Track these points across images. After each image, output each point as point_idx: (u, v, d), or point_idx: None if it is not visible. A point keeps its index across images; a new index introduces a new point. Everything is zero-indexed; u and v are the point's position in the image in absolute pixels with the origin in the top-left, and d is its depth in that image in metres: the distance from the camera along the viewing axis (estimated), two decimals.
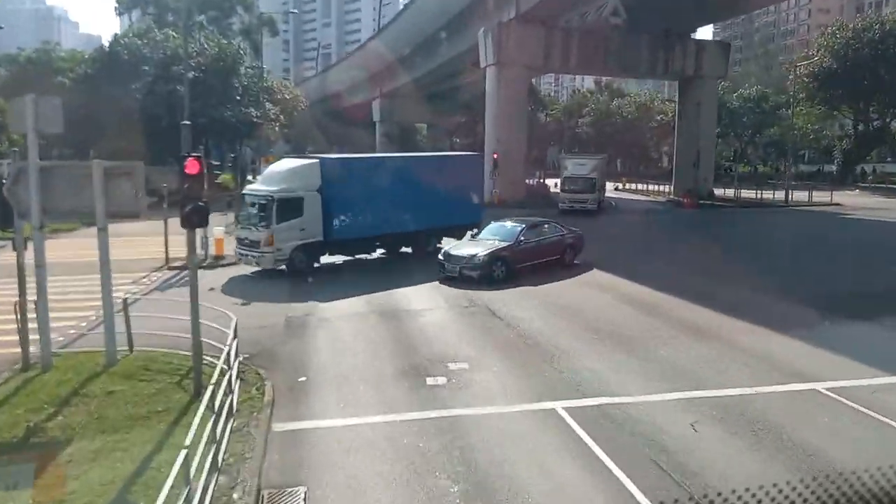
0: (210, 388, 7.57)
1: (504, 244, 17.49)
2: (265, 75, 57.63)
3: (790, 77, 59.68)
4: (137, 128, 42.18)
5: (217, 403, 7.33)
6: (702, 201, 39.91)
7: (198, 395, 8.75)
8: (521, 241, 17.68)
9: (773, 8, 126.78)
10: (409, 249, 21.13)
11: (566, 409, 8.54)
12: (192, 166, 8.37)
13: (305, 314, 14.06)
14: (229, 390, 8.17)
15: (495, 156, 40.69)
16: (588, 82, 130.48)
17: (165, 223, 20.07)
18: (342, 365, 10.76)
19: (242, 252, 18.46)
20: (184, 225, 8.69)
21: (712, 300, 14.71)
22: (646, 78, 51.73)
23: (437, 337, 12.33)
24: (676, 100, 48.61)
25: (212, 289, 16.05)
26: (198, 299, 9.40)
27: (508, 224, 18.82)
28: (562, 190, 35.61)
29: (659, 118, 74.96)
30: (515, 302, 14.99)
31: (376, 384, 9.74)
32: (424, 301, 15.22)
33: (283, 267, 17.90)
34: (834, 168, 62.36)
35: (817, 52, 56.79)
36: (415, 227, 20.42)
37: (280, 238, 17.59)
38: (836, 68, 53.17)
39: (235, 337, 9.56)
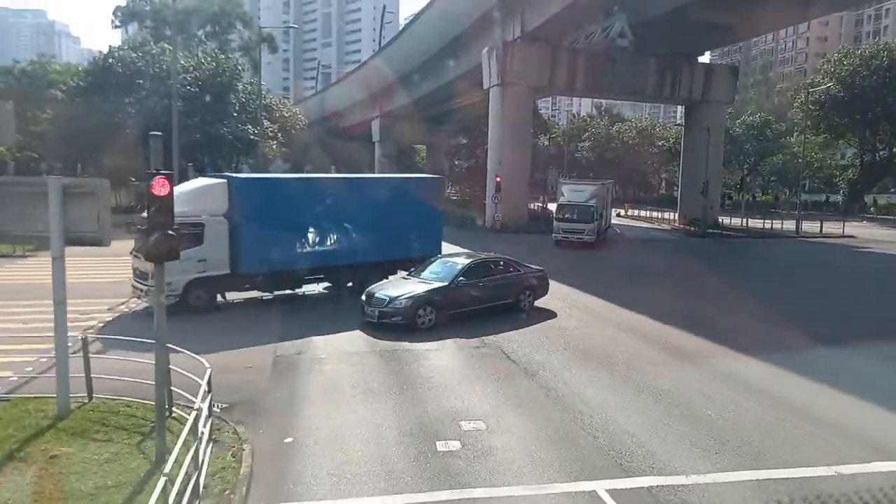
0: (175, 455, 6.10)
1: (437, 285, 14.85)
2: (264, 92, 56.59)
3: (795, 104, 59.13)
4: (131, 143, 40.87)
5: (181, 479, 5.81)
6: (709, 230, 38.64)
7: (161, 462, 7.19)
8: (460, 281, 15.03)
9: (771, 36, 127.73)
10: (352, 284, 17.89)
11: (609, 491, 6.98)
12: (159, 186, 6.88)
13: (297, 352, 12.50)
14: (198, 460, 6.62)
15: (498, 179, 39.48)
16: (586, 106, 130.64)
17: None
18: (336, 421, 9.17)
19: (135, 285, 15.59)
20: (149, 257, 7.19)
21: (753, 346, 13.17)
22: (652, 102, 50.83)
23: (446, 386, 10.76)
24: (683, 125, 47.56)
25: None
26: (165, 344, 7.87)
27: (453, 260, 16.33)
28: (556, 218, 32.26)
29: (660, 144, 74.16)
30: (531, 342, 13.46)
31: (377, 449, 8.16)
32: (430, 339, 13.64)
33: (175, 301, 14.65)
34: (840, 198, 61.25)
35: (822, 78, 56.08)
36: (358, 259, 17.64)
37: (170, 270, 14.77)
38: (843, 96, 52.37)
39: (209, 391, 8.00)
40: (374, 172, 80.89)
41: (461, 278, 15.16)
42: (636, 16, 34.17)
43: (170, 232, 7.14)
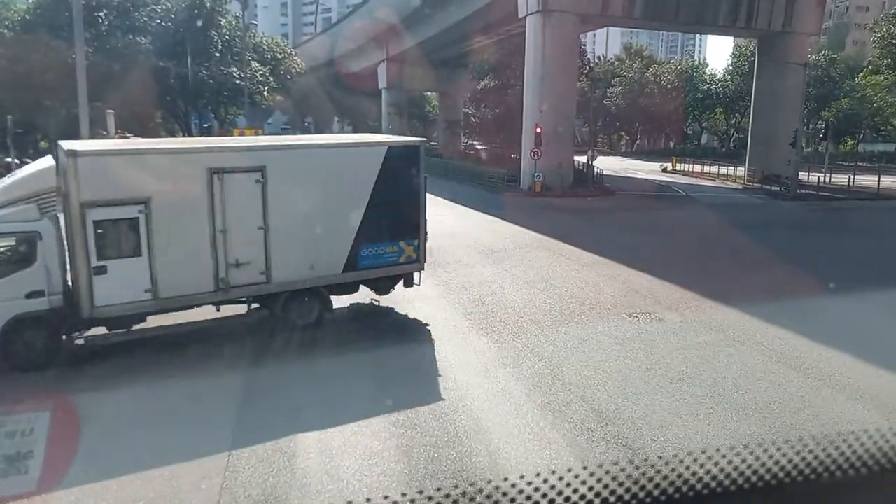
0: None
1: None
2: (253, 30, 48.85)
3: (874, 39, 50.87)
4: (90, 87, 33.76)
5: None
6: (801, 191, 31.47)
7: None
8: None
9: None
10: None
11: None
12: None
13: None
14: None
15: (538, 130, 32.18)
16: (601, 46, 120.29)
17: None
18: None
19: None
20: None
21: None
22: (723, 34, 42.80)
23: None
24: (755, 62, 39.69)
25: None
26: None
27: None
28: None
29: (705, 88, 66.02)
30: None
31: None
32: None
33: None
34: None
35: None
36: None
37: None
38: None
39: None
40: (381, 124, 73.33)
41: None
42: None
43: None
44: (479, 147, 54.40)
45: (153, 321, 9.73)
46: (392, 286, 11.57)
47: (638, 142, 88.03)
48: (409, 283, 11.56)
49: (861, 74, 58.35)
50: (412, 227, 11.26)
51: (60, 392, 8.07)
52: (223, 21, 41.49)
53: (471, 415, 7.66)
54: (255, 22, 52.72)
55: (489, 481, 1.47)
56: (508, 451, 6.84)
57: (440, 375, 8.94)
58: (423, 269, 11.61)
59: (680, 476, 1.59)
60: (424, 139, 13.90)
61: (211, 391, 8.13)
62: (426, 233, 11.51)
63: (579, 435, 7.20)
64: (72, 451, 6.37)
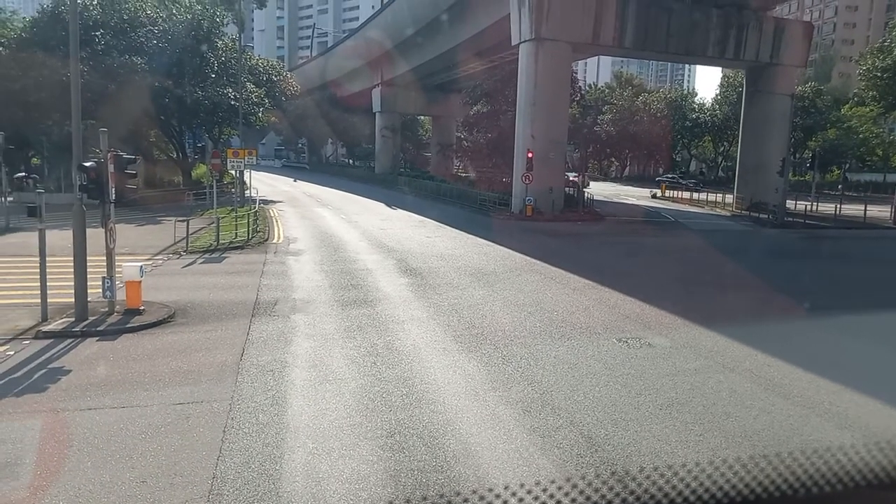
0: None
1: None
2: (249, 52, 49.20)
3: (860, 71, 51.91)
4: (84, 106, 33.80)
5: None
6: (788, 219, 31.79)
7: None
8: None
9: (797, 4, 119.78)
10: None
11: None
12: None
13: None
14: None
15: (529, 155, 32.52)
16: (591, 74, 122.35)
17: (41, 239, 12.00)
18: None
19: None
20: None
21: None
22: (712, 64, 43.55)
23: None
24: (743, 92, 40.33)
25: None
26: None
27: None
28: None
29: (694, 117, 66.97)
30: None
31: None
32: None
33: None
34: None
35: (893, 43, 48.70)
36: None
37: None
38: None
39: None
40: (374, 145, 73.93)
41: None
42: None
43: None
44: (471, 170, 54.82)
45: None
46: None
47: (628, 168, 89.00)
48: None
49: (847, 106, 59.51)
50: None
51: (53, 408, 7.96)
52: (219, 43, 41.84)
53: (459, 439, 7.61)
54: (251, 45, 53.13)
55: (474, 492, 1.51)
56: (497, 477, 6.78)
57: (429, 399, 8.88)
58: None
59: (661, 489, 1.63)
60: None
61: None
62: None
63: (568, 461, 7.16)
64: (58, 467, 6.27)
